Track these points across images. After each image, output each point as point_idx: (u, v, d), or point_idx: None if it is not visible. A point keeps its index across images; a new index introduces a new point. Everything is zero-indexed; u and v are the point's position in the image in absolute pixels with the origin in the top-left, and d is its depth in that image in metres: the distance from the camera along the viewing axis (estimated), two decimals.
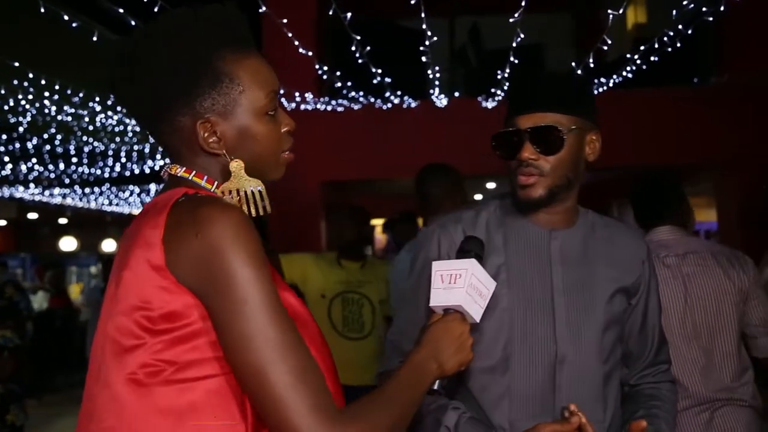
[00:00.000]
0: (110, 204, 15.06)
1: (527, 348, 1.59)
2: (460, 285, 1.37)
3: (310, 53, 5.01)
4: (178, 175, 1.24)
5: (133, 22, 3.55)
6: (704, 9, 4.77)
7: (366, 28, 4.54)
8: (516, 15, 3.97)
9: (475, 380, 1.62)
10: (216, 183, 1.24)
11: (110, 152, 8.88)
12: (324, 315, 3.85)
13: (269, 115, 1.24)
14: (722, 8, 4.52)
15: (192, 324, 1.11)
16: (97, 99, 5.10)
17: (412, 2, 4.00)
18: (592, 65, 5.76)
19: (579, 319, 1.62)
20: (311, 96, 6.84)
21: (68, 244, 17.69)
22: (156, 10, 3.37)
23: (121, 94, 1.24)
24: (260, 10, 4.04)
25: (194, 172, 1.23)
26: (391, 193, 10.48)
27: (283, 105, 1.34)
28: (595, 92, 6.64)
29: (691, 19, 5.06)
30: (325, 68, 5.41)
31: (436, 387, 1.34)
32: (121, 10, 3.43)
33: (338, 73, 5.62)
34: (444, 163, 3.33)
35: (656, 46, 5.40)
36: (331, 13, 3.75)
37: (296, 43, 4.53)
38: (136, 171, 10.29)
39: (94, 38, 3.83)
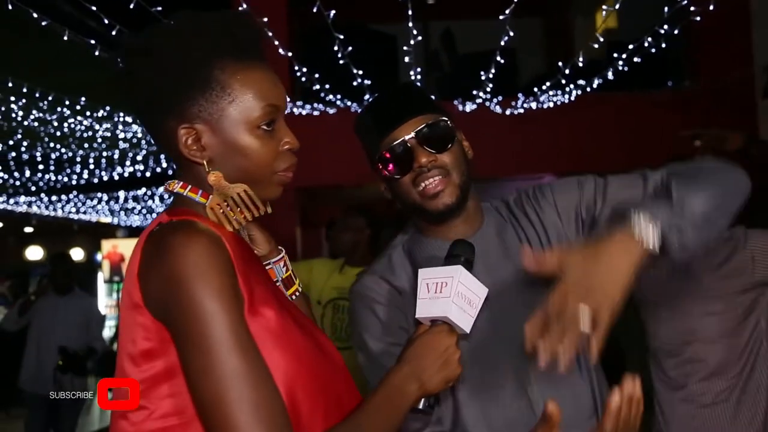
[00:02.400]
0: (77, 212, 14.78)
1: (489, 378, 1.50)
2: (446, 294, 1.27)
3: (290, 54, 4.92)
4: (175, 191, 1.20)
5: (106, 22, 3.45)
6: (676, 16, 4.79)
7: (340, 31, 4.46)
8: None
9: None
10: (210, 197, 1.18)
11: (78, 159, 8.67)
12: (318, 322, 3.75)
13: (263, 129, 1.18)
14: (697, 18, 4.53)
15: (169, 362, 1.06)
16: (67, 103, 4.93)
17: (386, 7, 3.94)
18: (567, 70, 5.77)
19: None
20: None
21: (34, 253, 17.40)
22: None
23: (123, 87, 1.20)
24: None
25: (189, 187, 1.19)
26: (361, 200, 10.38)
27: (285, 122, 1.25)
28: (572, 96, 6.67)
29: (664, 25, 5.08)
30: (304, 70, 5.30)
31: (421, 406, 1.24)
32: (94, 7, 3.32)
33: (317, 75, 5.53)
34: None
35: (633, 49, 5.42)
36: (315, 10, 3.67)
37: (276, 43, 4.43)
38: (105, 178, 10.08)
39: (65, 38, 3.71)
